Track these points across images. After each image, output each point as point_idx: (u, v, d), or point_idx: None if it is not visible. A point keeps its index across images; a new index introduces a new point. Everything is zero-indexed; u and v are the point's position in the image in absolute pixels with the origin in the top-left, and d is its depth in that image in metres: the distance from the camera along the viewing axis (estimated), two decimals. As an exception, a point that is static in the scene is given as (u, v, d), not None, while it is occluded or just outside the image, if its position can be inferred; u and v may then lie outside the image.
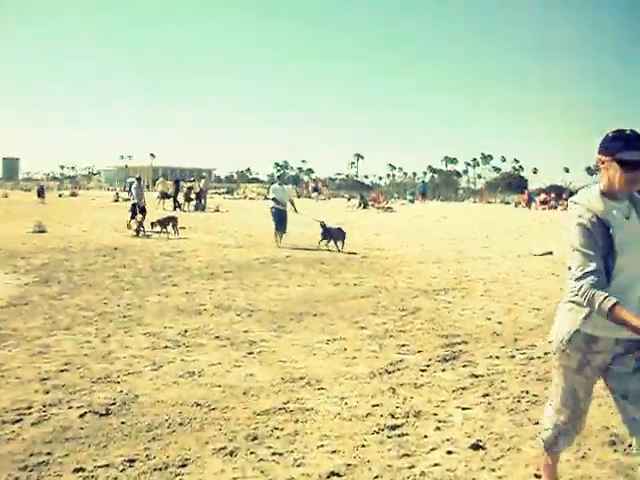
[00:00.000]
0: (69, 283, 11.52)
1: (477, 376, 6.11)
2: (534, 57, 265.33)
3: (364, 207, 43.58)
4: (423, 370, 6.31)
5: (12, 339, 7.50)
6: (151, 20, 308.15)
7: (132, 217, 22.53)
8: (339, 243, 17.59)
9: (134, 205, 22.82)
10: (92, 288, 10.99)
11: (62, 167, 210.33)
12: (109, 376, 6.05)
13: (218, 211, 35.59)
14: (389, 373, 6.21)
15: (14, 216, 31.58)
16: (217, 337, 7.55)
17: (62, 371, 6.24)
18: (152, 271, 12.95)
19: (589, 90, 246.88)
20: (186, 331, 7.84)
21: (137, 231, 20.75)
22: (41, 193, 52.27)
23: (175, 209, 34.24)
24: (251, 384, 5.84)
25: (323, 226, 17.95)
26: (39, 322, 8.40)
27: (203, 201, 37.90)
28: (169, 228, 21.16)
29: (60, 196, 69.58)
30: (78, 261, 14.38)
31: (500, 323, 8.52)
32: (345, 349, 7.07)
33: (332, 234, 17.77)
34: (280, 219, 19.06)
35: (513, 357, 6.84)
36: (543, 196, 54.95)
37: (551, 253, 16.88)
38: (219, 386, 5.75)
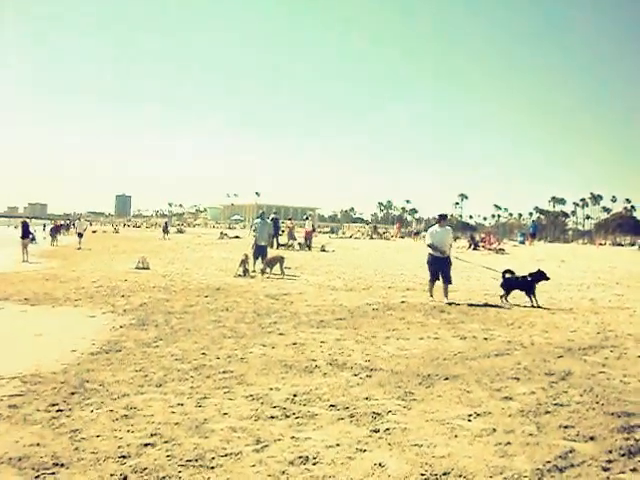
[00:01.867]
0: (167, 327, 10.52)
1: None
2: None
3: (474, 248, 41.59)
4: (606, 469, 4.72)
5: (97, 396, 6.48)
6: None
7: (255, 259, 21.30)
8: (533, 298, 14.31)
9: (257, 246, 21.57)
10: (191, 334, 9.91)
11: (170, 204, 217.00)
12: (202, 457, 4.79)
13: (325, 251, 34.48)
14: (561, 471, 4.65)
15: (121, 252, 31.57)
16: (333, 406, 6.17)
17: (146, 445, 5.06)
18: (256, 316, 11.78)
19: None
20: (295, 395, 6.53)
21: (244, 271, 19.71)
22: (165, 229, 53.81)
23: (277, 248, 33.38)
24: (382, 480, 4.46)
25: (505, 278, 14.82)
26: (129, 375, 7.36)
27: (309, 241, 36.89)
28: (276, 268, 20.18)
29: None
30: (179, 302, 13.45)
31: (684, 400, 6.78)
32: (494, 430, 5.51)
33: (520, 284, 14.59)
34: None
35: None
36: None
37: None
38: (341, 484, 4.39)
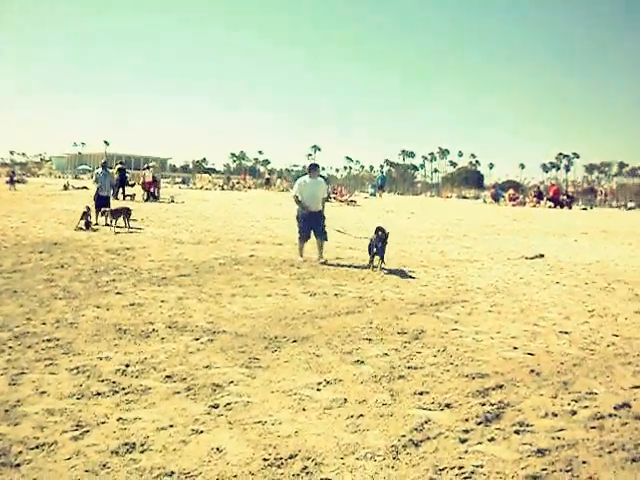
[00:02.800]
0: (-10, 289, 9.50)
1: (543, 452, 4.29)
2: (493, 54, 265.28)
3: (327, 200, 41.71)
4: (464, 441, 4.46)
5: None
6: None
7: (97, 210, 20.28)
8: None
9: (99, 197, 20.68)
10: (17, 296, 8.95)
11: (12, 153, 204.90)
12: (6, 452, 4.07)
13: (173, 202, 33.37)
14: (416, 445, 4.34)
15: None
16: (169, 377, 5.60)
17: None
18: (94, 273, 10.91)
19: (547, 85, 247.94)
20: (127, 365, 5.89)
21: (87, 224, 18.47)
22: (12, 180, 49.30)
23: (124, 199, 31.93)
24: (220, 469, 3.96)
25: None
26: None
27: (156, 191, 35.52)
28: (120, 220, 19.11)
29: (7, 182, 66.43)
30: (8, 259, 12.27)
31: (532, 355, 6.70)
32: (345, 400, 5.14)
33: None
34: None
35: (575, 413, 5.04)
36: (511, 191, 53.64)
37: (542, 256, 15.28)
38: (170, 475, 3.86)
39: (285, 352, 6.50)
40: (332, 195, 43.66)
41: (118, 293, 9.30)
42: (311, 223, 13.65)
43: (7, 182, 50.22)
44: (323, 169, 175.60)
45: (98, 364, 5.92)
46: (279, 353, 6.46)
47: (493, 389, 5.47)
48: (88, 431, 4.41)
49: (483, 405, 5.09)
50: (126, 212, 19.33)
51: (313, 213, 13.62)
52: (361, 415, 4.83)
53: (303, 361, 6.21)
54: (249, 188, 64.27)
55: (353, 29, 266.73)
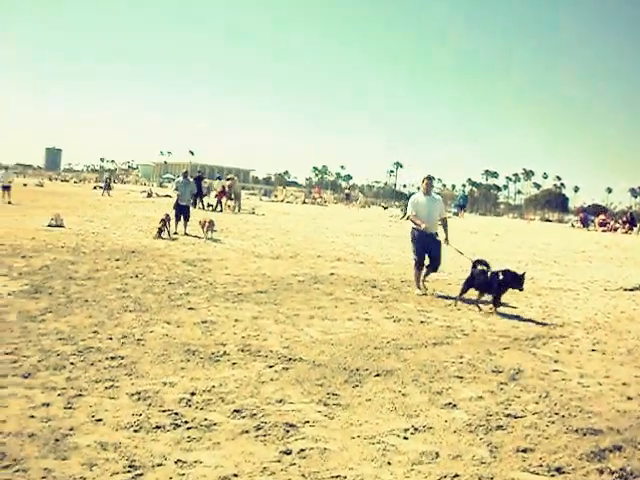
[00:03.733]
0: (62, 296, 9.20)
1: None
2: (580, 77, 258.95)
3: (407, 218, 40.72)
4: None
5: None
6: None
7: (177, 219, 20.18)
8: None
9: (179, 205, 20.51)
10: (87, 305, 8.62)
11: (102, 160, 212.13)
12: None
13: (254, 214, 33.20)
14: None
15: (39, 207, 29.61)
16: (237, 411, 4.99)
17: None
18: (167, 285, 10.53)
19: (636, 109, 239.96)
20: (193, 394, 5.34)
21: (160, 231, 18.29)
22: (108, 186, 50.18)
23: (203, 209, 31.92)
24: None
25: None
26: (-4, 359, 6.05)
27: (237, 202, 35.45)
28: (203, 231, 18.96)
29: (95, 188, 68.30)
30: (85, 265, 12.08)
31: (651, 408, 5.85)
32: (437, 454, 4.38)
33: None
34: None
35: None
36: (602, 217, 51.40)
37: (644, 287, 14.15)
38: None
39: (367, 388, 5.82)
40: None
41: (190, 308, 8.83)
42: (427, 246, 11.73)
43: (102, 187, 51.45)
44: (404, 186, 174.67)
45: (161, 390, 5.40)
46: (361, 389, 5.79)
47: (610, 451, 4.61)
48: (142, 474, 3.85)
49: (601, 473, 4.25)
50: (210, 223, 19.16)
51: (430, 235, 11.66)
52: (456, 476, 4.10)
53: (388, 400, 5.51)
54: (324, 202, 64.01)
55: (454, 53, 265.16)
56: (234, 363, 6.35)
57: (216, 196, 34.86)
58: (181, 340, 7.08)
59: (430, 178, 12.22)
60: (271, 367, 6.29)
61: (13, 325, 7.39)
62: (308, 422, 4.88)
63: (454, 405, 5.51)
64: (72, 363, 6.02)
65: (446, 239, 11.64)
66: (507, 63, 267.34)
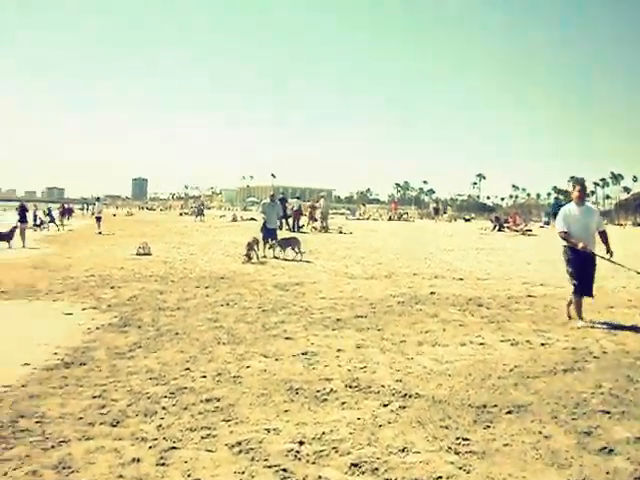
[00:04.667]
0: (152, 328, 8.70)
1: None
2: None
3: (499, 229, 39.48)
4: None
5: (24, 442, 4.66)
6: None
7: (265, 242, 19.60)
8: None
9: (267, 229, 19.95)
10: (178, 339, 8.06)
11: (186, 187, 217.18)
12: None
13: (341, 233, 32.54)
14: None
15: (127, 235, 29.84)
16: (355, 465, 4.20)
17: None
18: (261, 312, 9.89)
19: None
20: (301, 443, 4.59)
21: (248, 256, 17.75)
22: (201, 212, 51.59)
23: (293, 230, 31.42)
24: None
25: None
26: (82, 404, 5.52)
27: (325, 222, 34.88)
28: (289, 250, 18.40)
29: (181, 215, 69.40)
30: (174, 294, 11.62)
31: None
32: None
33: None
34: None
35: None
36: None
37: None
38: None
39: (501, 429, 4.94)
40: (505, 224, 41.32)
41: (288, 338, 8.13)
42: (586, 267, 9.55)
43: (195, 213, 52.33)
44: (488, 198, 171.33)
45: (265, 439, 4.67)
46: (494, 430, 4.91)
47: None
48: None
49: None
50: (295, 243, 18.59)
51: (587, 254, 9.46)
52: None
53: (529, 446, 4.62)
54: (410, 217, 62.90)
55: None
56: (343, 402, 5.59)
57: (293, 215, 34.31)
58: (281, 376, 6.38)
59: (582, 184, 10.24)
60: (386, 406, 5.50)
61: (102, 364, 6.90)
62: (441, 478, 4.07)
63: (611, 450, 4.56)
64: (164, 407, 5.40)
65: (608, 251, 9.63)
66: (591, 71, 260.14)
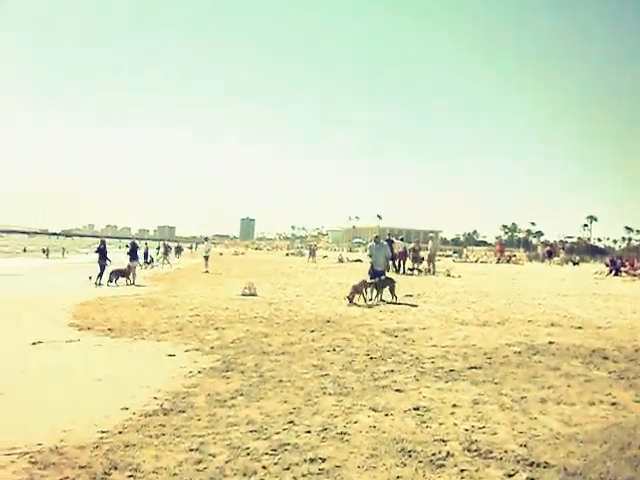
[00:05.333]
0: (254, 374, 8.33)
1: None
2: None
3: (615, 274, 37.48)
4: None
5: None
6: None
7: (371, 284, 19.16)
8: None
9: (375, 271, 19.45)
10: (282, 387, 7.64)
11: (293, 227, 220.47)
12: None
13: (449, 276, 31.63)
14: None
15: (233, 275, 30.01)
16: None
17: None
18: (369, 360, 9.36)
19: None
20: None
21: (350, 299, 17.25)
22: (313, 253, 52.41)
23: (398, 273, 30.77)
24: None
25: None
26: (178, 458, 5.18)
27: (432, 264, 34.03)
28: (382, 292, 17.80)
29: (287, 255, 69.96)
30: (278, 338, 11.27)
31: None
32: None
33: None
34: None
35: None
36: None
37: None
38: None
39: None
40: (622, 268, 39.23)
41: (398, 390, 7.55)
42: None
43: (308, 254, 52.89)
44: (599, 240, 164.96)
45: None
46: (644, 515, 4.21)
47: None
48: None
49: None
50: (390, 283, 17.98)
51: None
52: None
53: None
54: (519, 260, 60.92)
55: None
56: (462, 470, 4.96)
57: (398, 257, 33.54)
58: (392, 434, 5.81)
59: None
60: (511, 477, 4.84)
61: (201, 412, 6.55)
62: None
63: None
64: (264, 467, 4.96)
65: None
66: None
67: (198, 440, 5.60)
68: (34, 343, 10.91)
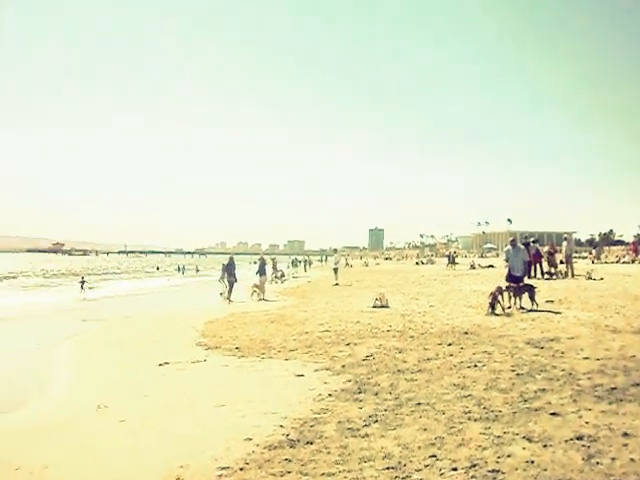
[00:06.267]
0: (389, 396, 7.61)
1: None
2: None
3: None
4: None
5: None
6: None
7: (510, 289, 17.93)
8: None
9: (512, 276, 18.24)
10: (420, 411, 6.86)
11: (421, 236, 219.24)
12: None
13: (591, 279, 29.60)
14: None
15: (363, 287, 29.42)
16: None
17: None
18: (515, 377, 8.39)
19: None
20: None
21: (492, 306, 16.12)
22: (453, 260, 51.70)
23: (535, 277, 29.08)
24: None
25: None
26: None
27: (570, 266, 31.99)
28: (520, 299, 16.55)
29: (417, 264, 68.93)
30: (413, 353, 10.49)
31: None
32: None
33: None
34: None
35: None
36: None
37: None
38: None
39: None
40: None
41: (554, 414, 6.55)
42: None
43: (448, 262, 51.90)
44: None
45: None
46: None
47: None
48: None
49: None
50: (529, 289, 16.70)
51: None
52: None
53: None
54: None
55: None
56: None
57: (533, 260, 31.69)
58: (555, 473, 4.87)
59: None
60: None
61: (331, 443, 5.89)
62: None
63: None
64: (404, 515, 4.21)
65: None
66: None
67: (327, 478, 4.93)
68: (161, 364, 10.72)
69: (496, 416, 6.53)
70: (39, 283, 49.21)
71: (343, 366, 9.74)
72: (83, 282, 34.02)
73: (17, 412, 8.46)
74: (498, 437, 5.83)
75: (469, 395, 7.49)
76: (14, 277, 57.16)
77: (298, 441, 6.02)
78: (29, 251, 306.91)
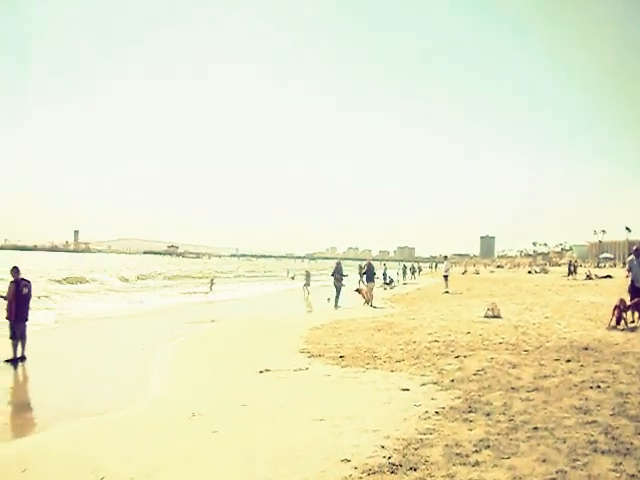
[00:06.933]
0: (503, 417, 6.93)
1: None
2: None
3: None
4: None
5: None
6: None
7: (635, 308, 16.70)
8: None
9: (635, 288, 16.95)
10: (537, 437, 6.14)
11: (534, 244, 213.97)
12: None
13: None
14: None
15: (474, 295, 28.44)
16: None
17: None
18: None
19: None
20: None
21: (618, 320, 14.95)
22: (574, 269, 49.99)
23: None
24: None
25: None
26: None
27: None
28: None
29: (530, 272, 66.86)
30: (528, 369, 9.71)
31: None
32: None
33: None
34: None
35: None
36: None
37: None
38: None
39: None
40: None
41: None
42: None
43: (568, 270, 49.87)
44: None
45: None
46: None
47: None
48: None
49: None
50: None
51: None
52: None
53: None
54: None
55: None
56: None
57: None
58: None
59: None
60: None
61: (436, 470, 5.30)
62: None
63: None
64: None
65: None
66: None
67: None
68: (261, 372, 10.41)
69: (627, 450, 5.72)
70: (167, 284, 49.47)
71: (452, 380, 9.09)
72: (212, 284, 35.91)
73: (113, 413, 8.31)
74: (632, 476, 5.06)
75: (594, 421, 6.68)
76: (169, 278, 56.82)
77: (400, 466, 5.45)
78: (146, 253, 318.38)
